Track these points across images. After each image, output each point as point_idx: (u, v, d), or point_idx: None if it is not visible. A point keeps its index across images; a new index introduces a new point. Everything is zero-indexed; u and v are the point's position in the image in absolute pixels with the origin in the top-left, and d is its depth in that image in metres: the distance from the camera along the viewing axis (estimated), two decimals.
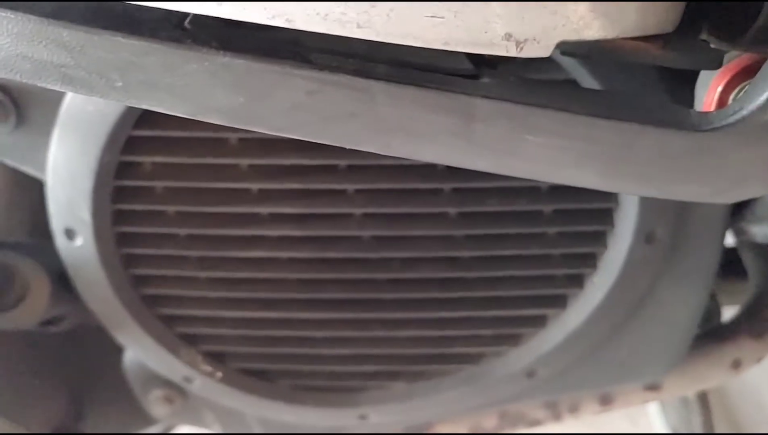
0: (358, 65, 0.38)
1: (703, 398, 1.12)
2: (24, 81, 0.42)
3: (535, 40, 0.36)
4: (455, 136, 0.40)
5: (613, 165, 0.41)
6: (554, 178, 0.43)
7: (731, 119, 0.38)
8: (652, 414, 1.38)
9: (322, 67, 0.37)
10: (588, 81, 0.51)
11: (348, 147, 0.43)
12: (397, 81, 0.38)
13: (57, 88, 0.42)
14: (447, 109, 0.38)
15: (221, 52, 0.38)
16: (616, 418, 1.48)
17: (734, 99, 0.42)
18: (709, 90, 0.45)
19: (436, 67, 0.39)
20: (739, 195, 0.44)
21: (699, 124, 0.39)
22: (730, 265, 0.86)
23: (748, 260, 0.80)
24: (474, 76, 0.39)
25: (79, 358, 0.92)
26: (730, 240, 0.87)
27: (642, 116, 0.39)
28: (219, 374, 0.73)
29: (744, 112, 0.38)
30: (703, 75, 0.47)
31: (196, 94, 0.41)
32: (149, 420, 1.00)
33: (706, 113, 0.39)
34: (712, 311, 0.85)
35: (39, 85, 0.42)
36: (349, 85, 0.38)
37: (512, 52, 0.36)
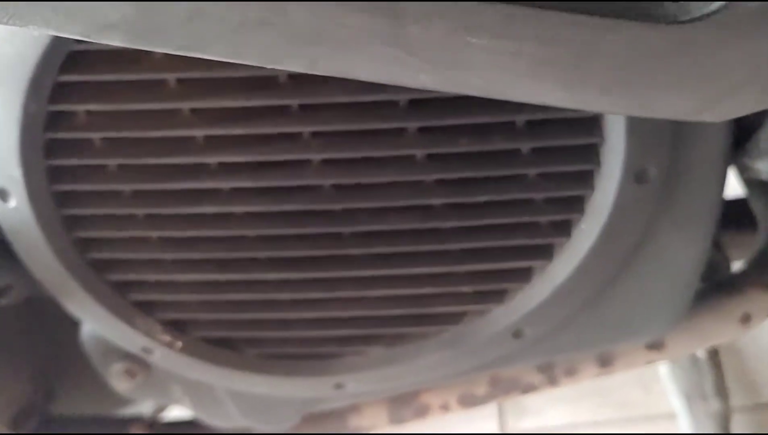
0: None
1: (714, 360, 1.06)
2: None
3: None
4: (387, 45, 0.34)
5: (575, 72, 0.34)
6: (510, 93, 0.36)
7: (716, 5, 0.32)
8: (664, 378, 1.33)
9: None
10: None
11: (268, 66, 0.37)
12: None
13: None
14: (370, 8, 0.32)
15: None
16: (627, 385, 1.43)
17: None
18: None
19: None
20: (731, 108, 0.38)
21: (676, 15, 0.32)
22: (740, 216, 0.80)
23: (755, 202, 0.73)
24: None
25: (44, 332, 0.87)
26: (739, 190, 0.80)
27: (605, 7, 0.32)
28: (179, 344, 0.67)
29: None
30: None
31: (82, 7, 0.35)
32: (130, 399, 0.95)
33: (684, 2, 0.33)
34: (720, 264, 0.79)
35: None
36: None
37: None
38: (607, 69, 0.34)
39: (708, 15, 0.32)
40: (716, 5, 0.32)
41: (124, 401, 0.99)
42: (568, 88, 0.36)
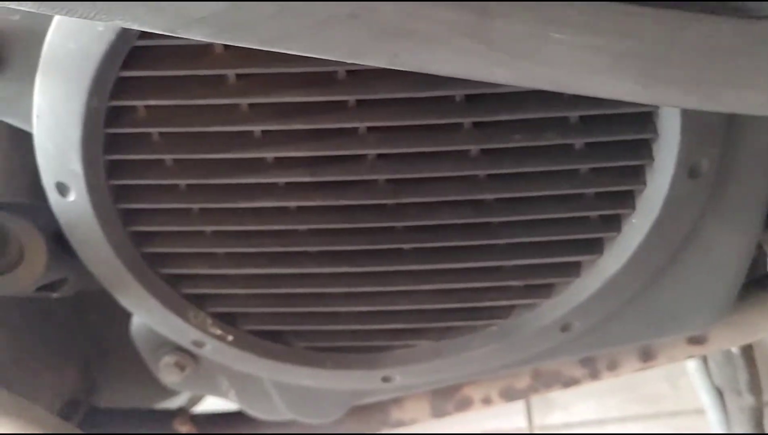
0: None
1: (748, 355, 1.06)
2: None
3: None
4: (471, 38, 0.35)
5: (654, 66, 0.35)
6: (585, 87, 0.37)
7: None
8: (692, 373, 1.33)
9: None
10: None
11: (350, 60, 0.37)
12: None
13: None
14: (458, 3, 0.33)
15: None
16: (655, 380, 1.43)
17: None
18: None
19: None
20: None
21: (756, 9, 0.33)
22: None
23: None
24: None
25: (90, 325, 0.88)
26: None
27: (687, 2, 0.33)
28: (230, 337, 0.68)
29: None
30: None
31: (174, 2, 0.36)
32: (170, 392, 0.96)
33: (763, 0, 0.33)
34: (758, 260, 0.79)
35: None
36: None
37: None
38: (684, 63, 0.35)
39: None
40: None
41: (163, 394, 1.00)
42: (644, 83, 0.36)
